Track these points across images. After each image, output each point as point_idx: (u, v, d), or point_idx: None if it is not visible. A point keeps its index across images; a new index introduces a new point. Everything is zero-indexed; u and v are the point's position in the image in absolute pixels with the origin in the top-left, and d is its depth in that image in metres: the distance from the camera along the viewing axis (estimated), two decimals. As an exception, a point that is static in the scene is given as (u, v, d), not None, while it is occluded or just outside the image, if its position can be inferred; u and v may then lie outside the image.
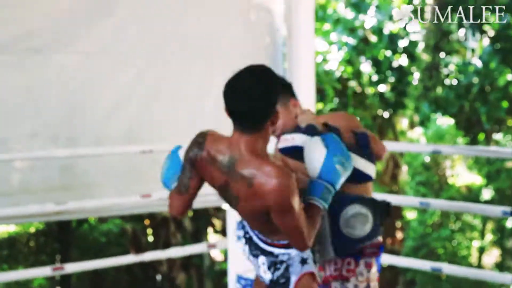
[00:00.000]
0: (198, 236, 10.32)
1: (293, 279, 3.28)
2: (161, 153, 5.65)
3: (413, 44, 10.55)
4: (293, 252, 3.30)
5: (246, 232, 3.42)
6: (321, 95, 10.21)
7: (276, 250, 3.32)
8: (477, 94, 9.93)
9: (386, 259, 6.05)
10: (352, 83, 11.68)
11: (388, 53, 10.77)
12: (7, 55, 5.41)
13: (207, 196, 5.44)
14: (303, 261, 3.30)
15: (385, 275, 14.41)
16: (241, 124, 3.08)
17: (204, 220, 10.27)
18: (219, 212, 10.20)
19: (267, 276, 3.34)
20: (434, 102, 10.04)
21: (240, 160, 3.10)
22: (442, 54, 10.20)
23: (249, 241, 3.40)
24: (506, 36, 9.55)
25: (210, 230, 10.95)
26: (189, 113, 6.06)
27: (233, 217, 5.27)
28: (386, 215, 3.63)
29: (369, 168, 3.47)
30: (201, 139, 3.21)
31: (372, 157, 3.50)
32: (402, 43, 10.73)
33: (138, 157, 5.48)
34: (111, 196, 5.22)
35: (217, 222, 10.62)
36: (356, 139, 3.49)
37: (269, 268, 3.34)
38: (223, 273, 10.50)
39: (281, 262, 3.33)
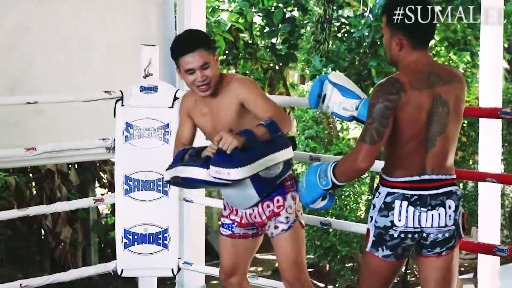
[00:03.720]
0: (84, 189, 10.12)
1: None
2: (46, 104, 5.52)
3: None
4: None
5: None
6: (212, 47, 10.09)
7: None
8: (367, 48, 9.95)
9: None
10: (244, 35, 11.60)
11: (281, 4, 10.71)
12: None
13: (93, 149, 5.36)
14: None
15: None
16: None
17: (90, 173, 10.08)
18: (106, 165, 10.04)
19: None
20: (325, 56, 10.02)
21: None
22: (334, 7, 10.16)
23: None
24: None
25: (97, 183, 10.77)
26: (76, 63, 5.98)
27: (121, 171, 5.22)
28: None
29: (289, 154, 4.00)
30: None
31: (287, 141, 4.00)
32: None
33: (23, 108, 5.37)
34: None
35: (104, 176, 10.44)
36: (268, 130, 3.88)
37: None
38: (110, 227, 10.37)
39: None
